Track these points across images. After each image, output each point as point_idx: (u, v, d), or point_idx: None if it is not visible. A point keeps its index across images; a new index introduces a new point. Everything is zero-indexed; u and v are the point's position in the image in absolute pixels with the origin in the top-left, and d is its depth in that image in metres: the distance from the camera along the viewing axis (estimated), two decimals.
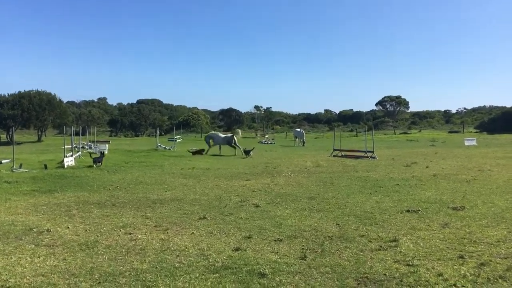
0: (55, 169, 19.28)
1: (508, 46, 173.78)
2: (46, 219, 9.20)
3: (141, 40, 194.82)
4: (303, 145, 43.04)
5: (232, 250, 6.72)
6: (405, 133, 69.07)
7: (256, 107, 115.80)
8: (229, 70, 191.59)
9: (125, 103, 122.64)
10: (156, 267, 5.94)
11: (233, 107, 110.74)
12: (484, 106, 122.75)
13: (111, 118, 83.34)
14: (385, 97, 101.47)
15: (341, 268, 5.81)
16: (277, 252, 6.63)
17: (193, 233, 7.93)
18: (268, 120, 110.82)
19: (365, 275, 5.48)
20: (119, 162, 22.51)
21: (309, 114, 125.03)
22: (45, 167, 19.12)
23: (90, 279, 5.52)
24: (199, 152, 29.77)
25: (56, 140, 59.52)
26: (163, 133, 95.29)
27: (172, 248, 6.89)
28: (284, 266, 5.89)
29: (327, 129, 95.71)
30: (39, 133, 58.81)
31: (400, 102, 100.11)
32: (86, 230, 8.18)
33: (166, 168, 20.05)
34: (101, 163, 20.48)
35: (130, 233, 7.92)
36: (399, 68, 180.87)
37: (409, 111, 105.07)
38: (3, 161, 19.67)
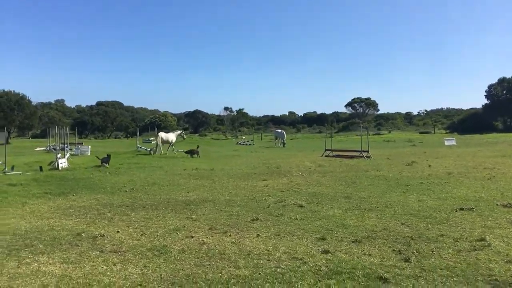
0: (49, 171, 18.25)
1: (462, 51, 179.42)
2: (85, 223, 8.49)
3: (99, 40, 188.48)
4: (284, 146, 42.78)
5: (322, 253, 6.28)
6: (377, 134, 70.06)
7: (226, 109, 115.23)
8: (189, 72, 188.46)
9: (83, 105, 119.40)
10: (259, 273, 5.43)
11: (199, 109, 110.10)
12: (442, 108, 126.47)
13: (81, 120, 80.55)
14: (355, 98, 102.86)
15: (460, 270, 5.46)
16: (370, 254, 6.24)
17: (258, 235, 7.44)
18: (239, 122, 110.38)
19: (494, 278, 5.16)
20: (112, 163, 21.52)
21: (273, 116, 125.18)
22: (41, 169, 18.08)
23: (198, 287, 4.96)
24: (192, 152, 28.85)
25: (23, 142, 57.16)
26: (128, 136, 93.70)
27: (255, 252, 6.39)
28: (397, 270, 5.49)
29: (295, 131, 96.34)
30: (7, 135, 56.18)
31: (369, 103, 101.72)
32: (142, 234, 7.55)
33: (167, 169, 19.31)
34: (108, 164, 20.37)
35: (192, 236, 7.35)
36: (356, 71, 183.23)
37: (378, 112, 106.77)
38: None
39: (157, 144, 30.94)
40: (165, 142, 31.25)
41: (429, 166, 19.13)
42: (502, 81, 73.40)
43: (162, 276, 5.37)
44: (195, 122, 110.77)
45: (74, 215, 9.30)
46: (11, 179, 14.79)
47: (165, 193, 12.37)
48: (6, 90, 52.83)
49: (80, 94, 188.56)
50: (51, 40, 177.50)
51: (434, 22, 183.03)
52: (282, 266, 5.68)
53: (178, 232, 7.68)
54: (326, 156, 27.63)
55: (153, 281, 5.18)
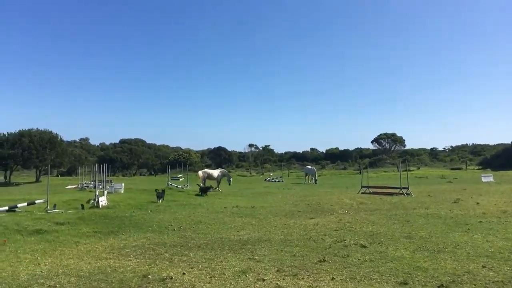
0: (90, 209, 18.16)
1: (483, 87, 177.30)
2: (146, 264, 8.21)
3: (123, 78, 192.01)
4: (315, 183, 42.22)
5: None
6: (408, 170, 68.70)
7: (251, 145, 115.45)
8: (211, 109, 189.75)
9: (107, 143, 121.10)
10: None
11: (222, 146, 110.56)
12: (467, 144, 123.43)
13: (110, 157, 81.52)
14: (381, 134, 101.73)
15: None
16: None
17: (333, 278, 7.04)
18: (262, 159, 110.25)
19: None
20: (149, 202, 21.37)
21: (295, 153, 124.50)
22: (82, 207, 18.01)
23: None
24: (207, 189, 28.60)
25: (52, 180, 57.82)
26: (153, 173, 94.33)
27: None
28: None
29: (319, 167, 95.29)
30: (38, 173, 57.04)
31: (396, 139, 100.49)
32: (210, 277, 7.23)
33: (207, 207, 19.03)
34: (163, 199, 21.62)
35: (263, 279, 7.00)
36: (377, 106, 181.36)
37: (405, 148, 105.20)
38: (36, 201, 18.47)
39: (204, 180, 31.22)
40: (211, 178, 31.56)
41: (477, 203, 18.43)
42: None
43: None
44: (218, 159, 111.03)
45: (131, 255, 9.04)
46: (55, 218, 14.69)
47: (215, 232, 12.06)
48: (39, 129, 54.06)
49: (103, 132, 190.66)
50: (69, 81, 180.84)
51: (459, 53, 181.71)
52: None
53: (247, 275, 7.32)
54: (362, 193, 27.00)
55: None
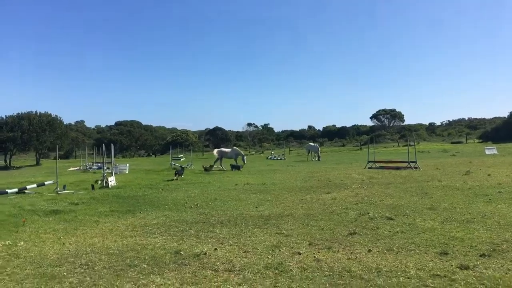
0: (99, 189, 18.00)
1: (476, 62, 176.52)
2: (173, 241, 8.07)
3: (116, 59, 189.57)
4: (318, 160, 42.07)
5: (461, 269, 5.74)
6: (408, 145, 68.61)
7: (250, 125, 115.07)
8: (205, 89, 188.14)
9: (103, 125, 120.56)
10: None
11: (219, 126, 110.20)
12: (463, 118, 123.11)
13: (110, 139, 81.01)
14: (380, 110, 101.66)
15: None
16: None
17: (370, 250, 6.90)
18: (259, 138, 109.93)
19: None
20: (158, 181, 21.19)
21: (293, 131, 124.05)
22: (92, 187, 17.85)
23: None
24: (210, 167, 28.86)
25: (52, 163, 57.42)
26: (151, 154, 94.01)
27: (384, 269, 5.86)
28: None
29: (318, 145, 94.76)
30: (37, 156, 56.62)
31: (395, 115, 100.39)
32: (244, 251, 7.08)
33: (218, 185, 18.84)
34: (182, 175, 22.48)
35: (299, 253, 6.85)
36: (372, 82, 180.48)
37: (406, 123, 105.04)
38: (46, 183, 18.29)
39: (217, 159, 31.28)
40: (226, 157, 31.81)
41: (488, 175, 18.35)
42: None
43: None
44: (215, 139, 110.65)
45: (156, 233, 8.90)
46: (68, 198, 14.53)
47: (233, 209, 11.91)
48: (38, 111, 53.43)
49: (98, 115, 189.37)
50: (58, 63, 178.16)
51: (455, 28, 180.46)
52: (430, 285, 5.13)
53: (280, 249, 7.19)
54: (369, 168, 26.89)
55: None
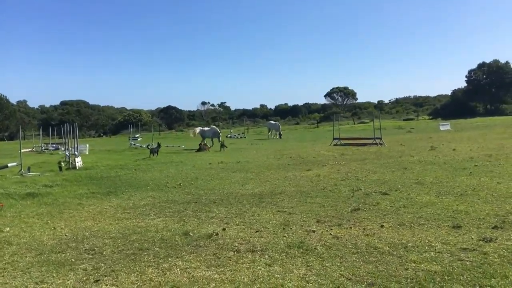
0: (67, 170, 17.16)
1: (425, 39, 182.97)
2: (174, 222, 7.76)
3: (60, 37, 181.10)
4: (280, 137, 42.16)
5: (485, 242, 5.79)
6: (362, 123, 70.33)
7: (204, 103, 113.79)
8: (156, 67, 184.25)
9: (47, 105, 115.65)
10: (453, 268, 4.88)
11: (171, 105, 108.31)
12: (409, 96, 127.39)
13: (61, 119, 77.66)
14: (333, 88, 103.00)
15: None
16: None
17: (382, 225, 6.88)
18: (211, 117, 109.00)
19: None
20: (125, 162, 20.43)
21: (245, 110, 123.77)
22: (60, 169, 16.96)
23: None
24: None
25: (3, 145, 54.46)
26: (102, 134, 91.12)
27: (410, 245, 5.83)
28: None
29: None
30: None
31: (348, 93, 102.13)
32: (256, 231, 6.87)
33: (192, 164, 18.36)
34: (157, 154, 22.17)
35: (313, 231, 6.73)
36: (320, 61, 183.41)
37: (357, 101, 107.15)
38: (9, 165, 17.20)
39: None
40: (204, 136, 31.15)
41: (453, 150, 18.98)
42: (482, 66, 74.93)
43: (344, 275, 4.74)
44: (169, 118, 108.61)
45: (152, 214, 8.52)
46: (39, 181, 13.72)
47: (219, 187, 11.65)
48: None
49: (41, 94, 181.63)
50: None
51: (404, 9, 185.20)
52: (465, 259, 5.12)
53: (291, 227, 7.03)
54: (335, 145, 27.18)
55: (347, 283, 4.54)
